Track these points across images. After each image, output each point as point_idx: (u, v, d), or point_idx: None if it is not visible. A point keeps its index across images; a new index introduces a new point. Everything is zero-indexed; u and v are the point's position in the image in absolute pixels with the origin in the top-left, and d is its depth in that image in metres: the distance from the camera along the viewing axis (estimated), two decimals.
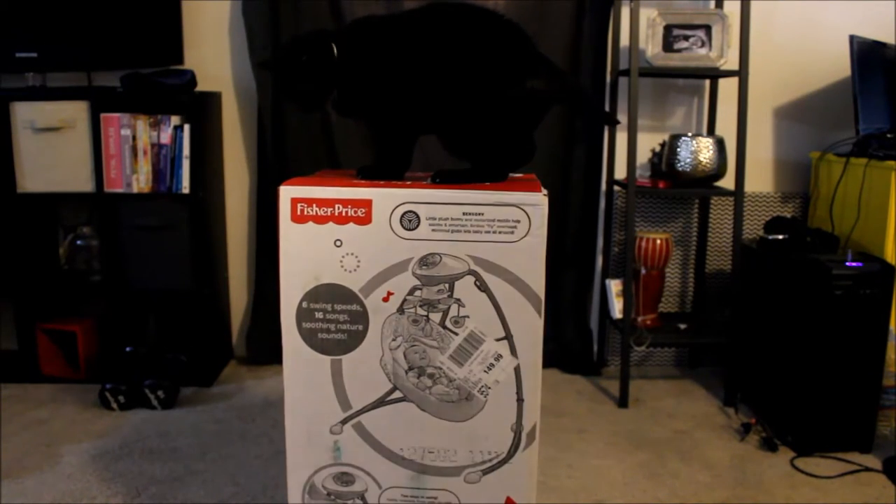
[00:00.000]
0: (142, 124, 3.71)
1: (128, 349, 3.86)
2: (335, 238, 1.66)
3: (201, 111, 3.83)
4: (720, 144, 3.69)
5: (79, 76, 3.93)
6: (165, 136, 3.71)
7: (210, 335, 4.02)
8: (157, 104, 3.76)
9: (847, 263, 3.09)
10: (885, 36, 3.84)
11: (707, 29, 3.68)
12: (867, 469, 3.07)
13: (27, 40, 3.77)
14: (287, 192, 1.68)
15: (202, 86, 3.85)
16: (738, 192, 3.61)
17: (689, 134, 3.69)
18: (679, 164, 3.66)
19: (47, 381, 3.91)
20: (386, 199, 1.65)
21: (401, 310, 1.69)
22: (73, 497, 2.82)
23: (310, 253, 1.69)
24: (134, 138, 3.71)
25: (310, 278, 1.70)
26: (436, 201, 1.64)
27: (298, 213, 1.67)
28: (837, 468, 3.08)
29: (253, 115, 4.07)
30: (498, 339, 1.71)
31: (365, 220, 1.65)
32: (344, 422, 1.76)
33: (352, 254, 1.66)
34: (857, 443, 3.20)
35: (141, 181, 3.73)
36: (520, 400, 1.74)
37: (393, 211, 1.64)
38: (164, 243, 3.82)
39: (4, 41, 3.77)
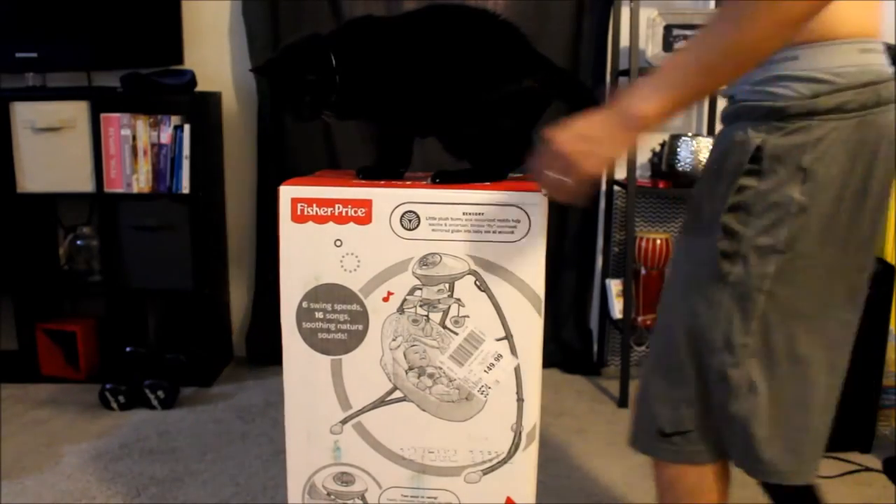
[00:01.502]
0: (142, 124, 3.71)
1: (128, 349, 3.86)
2: (335, 238, 1.67)
3: (201, 111, 3.84)
4: None
5: (79, 76, 3.94)
6: (165, 136, 3.71)
7: (210, 335, 4.02)
8: (157, 104, 3.77)
9: None
10: (886, 36, 3.81)
11: None
12: (867, 469, 3.07)
13: (27, 40, 3.77)
14: (287, 192, 1.68)
15: (202, 86, 3.85)
16: None
17: (689, 134, 3.69)
18: (679, 164, 3.66)
19: (47, 381, 3.91)
20: (386, 199, 1.65)
21: (401, 310, 1.69)
22: (73, 497, 2.82)
23: (310, 253, 1.69)
24: (134, 138, 3.71)
25: (310, 278, 1.70)
26: (436, 201, 1.64)
27: (298, 212, 1.67)
28: (837, 468, 3.08)
29: (253, 115, 4.08)
30: (498, 339, 1.71)
31: (365, 219, 1.65)
32: (344, 422, 1.76)
33: (352, 254, 1.67)
34: (857, 443, 3.21)
35: (141, 181, 3.73)
36: (520, 400, 1.74)
37: (393, 211, 1.64)
38: (164, 243, 3.82)
39: (4, 41, 3.77)
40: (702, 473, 1.73)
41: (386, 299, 1.68)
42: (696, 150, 3.64)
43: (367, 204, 1.65)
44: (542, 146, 1.46)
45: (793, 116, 1.40)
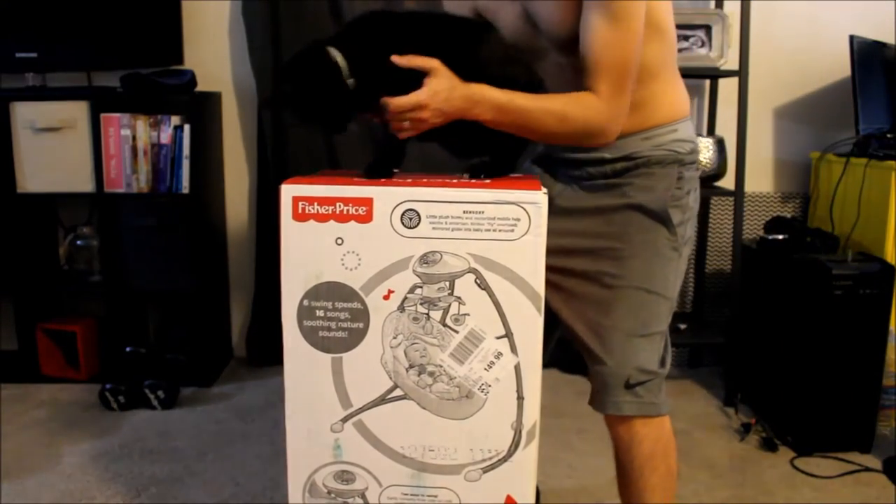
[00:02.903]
0: (142, 124, 3.71)
1: (128, 349, 3.88)
2: (336, 236, 1.67)
3: (201, 111, 3.85)
4: (720, 144, 3.70)
5: (79, 76, 3.94)
6: (165, 136, 3.71)
7: (210, 335, 4.03)
8: (157, 104, 3.77)
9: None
10: (885, 36, 3.84)
11: (707, 29, 3.67)
12: (867, 469, 3.07)
13: (27, 40, 3.77)
14: (288, 191, 1.69)
15: (202, 86, 3.86)
16: (738, 192, 3.62)
17: None
18: None
19: (47, 381, 3.91)
20: (387, 197, 1.65)
21: (401, 308, 1.69)
22: (73, 497, 2.83)
23: (311, 251, 1.69)
24: (134, 138, 3.71)
25: (311, 276, 1.70)
26: (436, 199, 1.64)
27: (300, 211, 1.68)
28: (837, 468, 3.08)
29: (253, 115, 4.08)
30: (498, 337, 1.71)
31: (366, 218, 1.65)
32: (345, 420, 1.76)
33: (353, 252, 1.67)
34: (857, 443, 3.21)
35: (141, 181, 3.73)
36: (520, 398, 1.74)
37: (394, 209, 1.65)
38: (164, 243, 3.82)
39: (4, 41, 3.78)
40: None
41: (386, 297, 1.68)
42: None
43: (367, 202, 1.65)
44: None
45: (686, 163, 2.02)
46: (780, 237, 3.48)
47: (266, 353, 4.12)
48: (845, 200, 3.55)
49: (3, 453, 3.15)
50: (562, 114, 1.85)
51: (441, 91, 1.74)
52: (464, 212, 1.65)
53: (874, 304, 3.11)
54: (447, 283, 1.67)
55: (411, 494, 1.79)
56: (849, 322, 3.11)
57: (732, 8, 3.68)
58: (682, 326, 3.90)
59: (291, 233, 1.70)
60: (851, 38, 3.62)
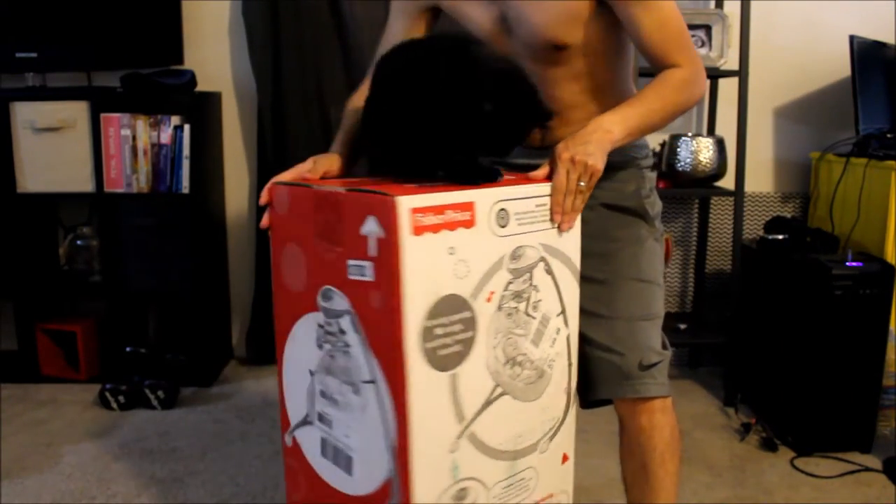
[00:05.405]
0: (142, 124, 3.71)
1: (128, 349, 3.88)
2: (449, 246, 1.56)
3: (201, 111, 3.85)
4: (720, 144, 3.73)
5: (79, 76, 3.94)
6: (165, 136, 3.71)
7: (210, 335, 4.03)
8: (157, 104, 3.77)
9: (847, 263, 3.14)
10: (885, 36, 3.90)
11: (707, 29, 3.71)
12: (867, 469, 3.11)
13: (27, 40, 3.76)
14: (404, 203, 1.49)
15: (202, 86, 3.86)
16: (738, 192, 3.66)
17: (689, 134, 3.73)
18: (679, 164, 3.70)
19: (47, 381, 3.91)
20: (485, 198, 1.62)
21: (499, 307, 1.67)
22: (73, 497, 2.83)
23: (430, 267, 1.55)
24: (134, 138, 3.71)
25: (430, 294, 1.56)
26: (520, 196, 1.66)
27: (417, 224, 1.50)
28: (837, 468, 3.12)
29: (253, 115, 4.09)
30: (557, 315, 1.78)
31: (470, 222, 1.59)
32: (459, 436, 1.67)
33: (462, 260, 1.58)
34: (857, 443, 3.24)
35: (141, 181, 3.73)
36: (570, 364, 1.84)
37: (490, 210, 1.62)
38: (164, 243, 3.83)
39: (4, 41, 3.76)
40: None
41: (489, 299, 1.64)
42: (696, 150, 3.68)
43: (470, 206, 1.59)
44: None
45: (644, 166, 2.16)
46: (780, 237, 3.52)
47: (266, 353, 4.13)
48: (845, 200, 3.60)
49: (3, 453, 3.14)
50: (675, 98, 2.00)
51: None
52: (536, 205, 1.69)
53: (874, 304, 3.14)
54: (528, 274, 1.70)
55: (508, 485, 1.78)
56: (849, 322, 3.15)
57: (732, 8, 3.73)
58: (682, 326, 3.93)
59: (412, 250, 1.51)
60: (851, 38, 3.67)
